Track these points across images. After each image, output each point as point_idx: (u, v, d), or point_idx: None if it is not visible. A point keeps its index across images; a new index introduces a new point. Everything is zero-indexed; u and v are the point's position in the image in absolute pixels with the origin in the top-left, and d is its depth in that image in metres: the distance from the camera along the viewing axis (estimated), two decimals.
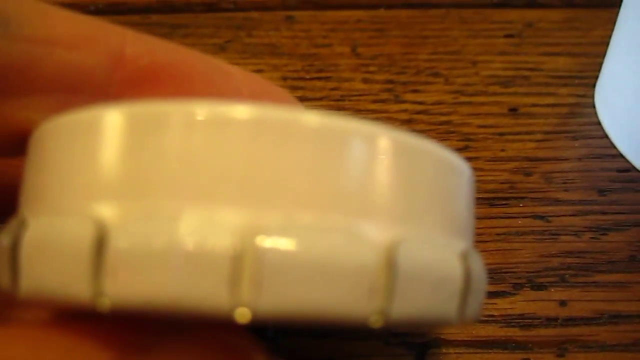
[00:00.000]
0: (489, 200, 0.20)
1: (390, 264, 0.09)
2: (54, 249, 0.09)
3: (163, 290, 0.08)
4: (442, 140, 0.22)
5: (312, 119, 0.09)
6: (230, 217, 0.09)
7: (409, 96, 0.23)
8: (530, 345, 0.16)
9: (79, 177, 0.09)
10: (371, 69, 0.25)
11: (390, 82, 0.24)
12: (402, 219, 0.09)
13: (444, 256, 0.10)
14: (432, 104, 0.23)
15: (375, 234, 0.09)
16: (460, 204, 0.11)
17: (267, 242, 0.08)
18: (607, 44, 0.23)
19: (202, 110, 0.09)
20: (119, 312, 0.09)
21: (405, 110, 0.23)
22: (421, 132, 0.22)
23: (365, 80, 0.24)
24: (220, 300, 0.08)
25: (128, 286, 0.08)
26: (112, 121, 0.09)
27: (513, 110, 0.23)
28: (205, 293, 0.08)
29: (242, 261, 0.08)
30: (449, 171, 0.10)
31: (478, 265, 0.11)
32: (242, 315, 0.08)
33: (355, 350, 0.16)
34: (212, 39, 0.26)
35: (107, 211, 0.09)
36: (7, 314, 0.12)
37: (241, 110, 0.09)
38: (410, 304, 0.09)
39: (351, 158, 0.09)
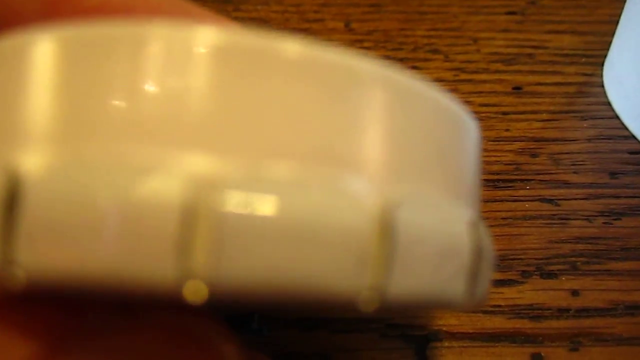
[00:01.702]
0: (494, 182, 0.19)
1: (387, 230, 0.07)
2: None
3: (92, 257, 0.07)
4: None
5: (291, 48, 0.07)
6: (183, 163, 0.07)
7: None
8: (540, 338, 0.15)
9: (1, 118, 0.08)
10: (366, 44, 0.23)
11: (387, 58, 0.23)
12: (400, 175, 0.08)
13: (450, 224, 0.08)
14: (432, 81, 0.22)
15: (368, 192, 0.07)
16: (466, 164, 0.09)
17: (230, 196, 0.07)
18: (614, 22, 0.22)
19: (154, 34, 0.07)
20: (39, 288, 0.07)
21: None
22: None
23: None
24: (164, 270, 0.07)
25: (47, 253, 0.07)
26: (42, 49, 0.08)
27: (517, 89, 0.22)
28: (145, 261, 0.07)
29: (195, 219, 0.07)
30: (454, 124, 0.09)
31: (488, 239, 0.09)
32: (194, 290, 0.07)
33: (348, 344, 0.15)
34: None
35: (27, 159, 0.07)
36: None
37: (203, 35, 0.07)
38: (411, 280, 0.08)
39: (338, 99, 0.08)
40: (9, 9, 0.10)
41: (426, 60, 0.23)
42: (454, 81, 0.22)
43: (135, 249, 0.07)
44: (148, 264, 0.07)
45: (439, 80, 0.22)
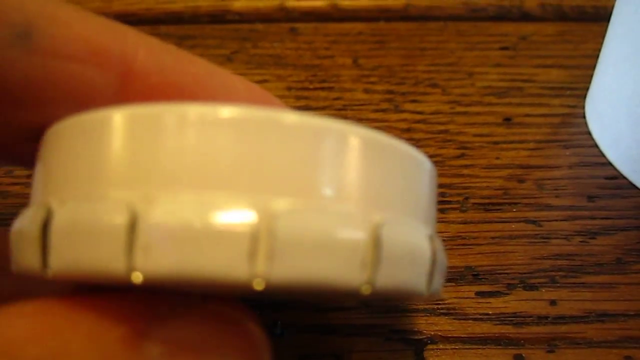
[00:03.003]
0: (484, 206, 0.21)
1: (376, 242, 0.10)
2: (88, 230, 0.10)
3: (190, 264, 0.09)
4: (439, 148, 0.23)
5: (292, 117, 0.10)
6: (248, 202, 0.10)
7: (408, 106, 0.24)
8: (522, 341, 0.17)
9: (99, 168, 0.10)
10: (372, 79, 0.26)
11: (390, 92, 0.25)
12: (383, 206, 0.11)
13: (416, 237, 0.11)
14: (430, 113, 0.24)
15: (364, 218, 0.10)
16: (423, 194, 0.12)
17: (279, 222, 0.10)
18: (598, 56, 0.23)
19: (192, 110, 0.10)
20: (150, 285, 0.10)
21: (404, 120, 0.24)
22: (420, 140, 0.23)
23: (366, 91, 0.25)
24: (241, 272, 0.10)
25: (159, 261, 0.10)
26: (120, 121, 0.11)
27: (507, 120, 0.24)
28: (228, 266, 0.10)
29: (258, 239, 0.10)
30: (415, 166, 0.12)
31: (441, 247, 0.12)
32: (258, 284, 0.10)
33: (357, 346, 0.17)
34: (219, 49, 0.27)
35: (133, 197, 0.10)
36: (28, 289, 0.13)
37: (227, 110, 0.10)
38: (391, 276, 0.11)
39: (332, 153, 0.11)
40: (92, 84, 0.12)
41: (426, 93, 0.25)
42: (451, 113, 0.24)
43: (221, 257, 0.10)
44: (231, 267, 0.10)
45: (437, 112, 0.24)
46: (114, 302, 0.11)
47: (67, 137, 0.11)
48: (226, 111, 0.10)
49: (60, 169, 0.11)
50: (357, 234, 0.10)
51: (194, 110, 0.10)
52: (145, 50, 0.13)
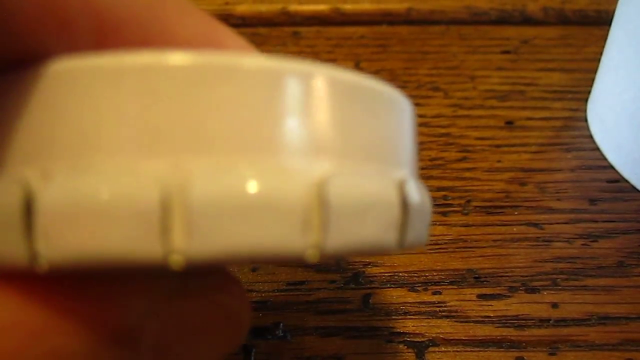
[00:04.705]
0: (486, 209, 0.21)
1: (322, 199, 0.09)
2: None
3: (93, 246, 0.08)
4: (441, 151, 0.23)
5: (220, 59, 0.09)
6: (157, 166, 0.08)
7: None
8: (523, 344, 0.17)
9: (2, 141, 0.09)
10: None
11: None
12: (333, 153, 0.09)
13: (378, 186, 0.10)
14: (433, 117, 0.24)
15: (306, 171, 0.09)
16: (396, 134, 0.11)
17: (195, 187, 0.08)
18: (600, 60, 0.24)
19: (112, 61, 0.09)
20: (62, 272, 0.08)
21: None
22: (422, 143, 0.23)
23: None
24: (152, 250, 0.08)
25: (60, 245, 0.08)
26: (31, 81, 0.09)
27: (509, 123, 0.24)
28: (136, 244, 0.08)
29: (170, 209, 0.08)
30: (380, 103, 0.10)
31: (417, 192, 0.11)
32: (176, 262, 0.08)
33: (359, 348, 0.17)
34: None
35: (32, 172, 0.09)
36: None
37: (137, 58, 0.09)
38: (345, 236, 0.09)
39: (275, 97, 0.09)
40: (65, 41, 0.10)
41: (428, 97, 0.25)
42: (453, 116, 0.24)
43: (126, 235, 0.08)
44: (139, 245, 0.08)
45: (439, 115, 0.24)
46: (107, 289, 0.10)
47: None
48: (136, 59, 0.09)
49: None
50: (296, 191, 0.09)
51: (112, 61, 0.09)
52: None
